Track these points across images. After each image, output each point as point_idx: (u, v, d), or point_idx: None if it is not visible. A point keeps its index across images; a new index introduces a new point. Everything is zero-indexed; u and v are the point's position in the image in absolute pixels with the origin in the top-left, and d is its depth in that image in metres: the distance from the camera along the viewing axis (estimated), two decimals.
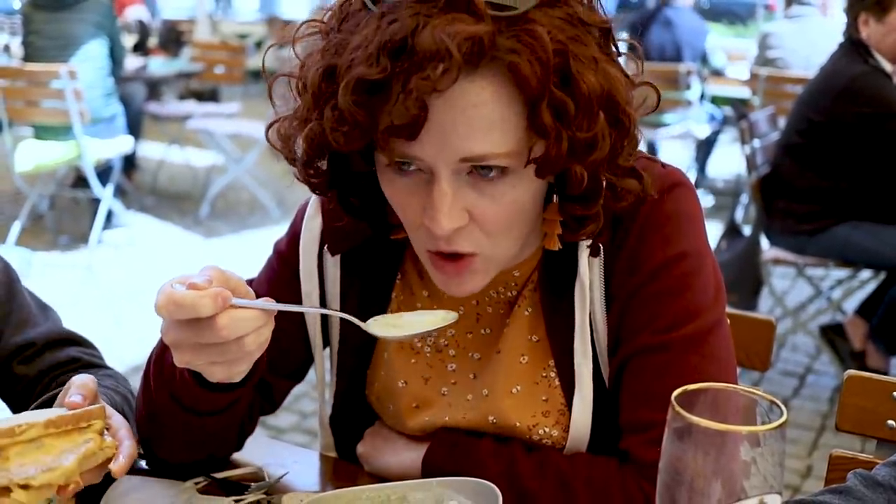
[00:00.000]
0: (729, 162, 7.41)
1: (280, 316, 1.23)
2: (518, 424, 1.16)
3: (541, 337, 1.17)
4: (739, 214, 4.93)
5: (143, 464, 1.27)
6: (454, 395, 1.21)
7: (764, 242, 3.81)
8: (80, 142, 5.04)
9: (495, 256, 1.06)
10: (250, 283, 1.30)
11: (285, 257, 1.28)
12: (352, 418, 1.31)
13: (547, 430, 1.16)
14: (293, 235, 1.28)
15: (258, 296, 1.21)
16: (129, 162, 6.61)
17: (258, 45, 10.94)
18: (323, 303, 1.27)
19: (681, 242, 1.11)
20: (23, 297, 1.32)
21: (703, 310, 1.11)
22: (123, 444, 1.05)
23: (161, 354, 1.12)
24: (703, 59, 6.65)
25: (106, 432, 1.05)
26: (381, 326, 1.07)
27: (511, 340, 1.18)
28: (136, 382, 1.23)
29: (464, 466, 1.13)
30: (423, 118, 0.92)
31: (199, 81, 7.67)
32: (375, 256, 1.24)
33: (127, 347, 3.62)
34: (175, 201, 6.83)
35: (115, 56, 5.45)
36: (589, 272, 1.12)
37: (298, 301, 1.26)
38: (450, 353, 1.23)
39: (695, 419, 0.82)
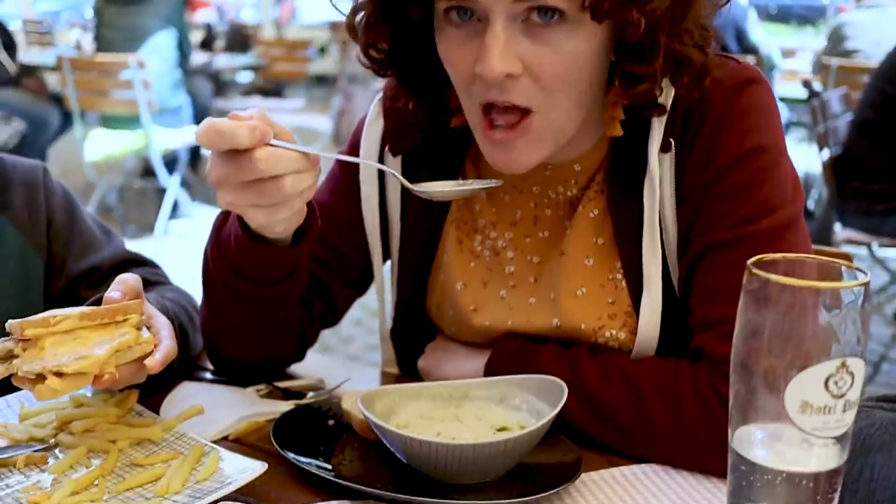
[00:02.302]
0: (797, 160, 7.24)
1: (339, 220, 1.25)
2: (583, 327, 1.13)
3: (607, 240, 1.14)
4: (811, 202, 4.80)
5: (206, 375, 1.26)
6: (514, 299, 1.19)
7: (836, 225, 3.71)
8: (148, 131, 5.14)
9: (552, 120, 1.03)
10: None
11: (346, 163, 1.28)
12: (412, 332, 1.29)
13: (613, 332, 1.13)
14: (354, 143, 1.28)
15: (322, 206, 1.21)
16: (196, 155, 6.71)
17: (322, 50, 11.05)
18: (383, 208, 1.26)
19: (758, 136, 1.07)
20: (84, 222, 1.33)
21: (781, 205, 1.06)
22: (162, 343, 1.03)
23: (219, 225, 1.12)
24: (742, 41, 6.40)
25: (146, 330, 1.04)
26: (426, 187, 1.05)
27: (575, 243, 1.15)
28: None
29: (526, 373, 1.10)
30: None
31: (263, 79, 7.77)
32: (436, 158, 1.23)
33: None
34: None
35: (183, 48, 5.55)
36: (659, 168, 1.09)
37: (359, 208, 1.26)
38: (508, 256, 1.20)
39: (773, 277, 0.79)
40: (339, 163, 1.29)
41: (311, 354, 1.33)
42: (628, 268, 1.12)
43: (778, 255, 0.84)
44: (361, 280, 1.32)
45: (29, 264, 1.25)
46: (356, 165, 1.26)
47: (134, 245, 1.45)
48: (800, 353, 0.79)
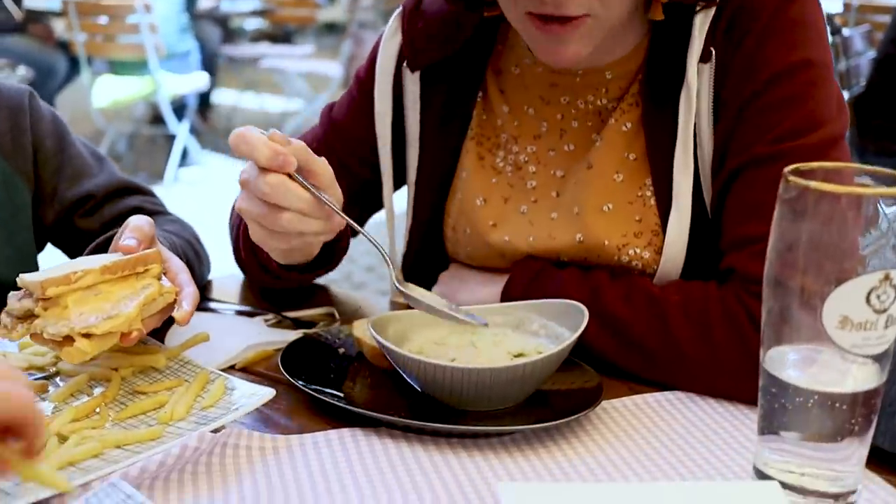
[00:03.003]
0: None
1: (352, 139, 1.24)
2: (607, 243, 1.09)
3: (639, 155, 1.09)
4: None
5: (213, 305, 1.23)
6: (535, 214, 1.15)
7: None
8: (156, 76, 5.08)
9: (605, 19, 1.00)
10: (330, 108, 1.29)
11: (362, 81, 1.25)
12: (426, 260, 1.25)
13: (638, 250, 1.08)
14: (371, 58, 1.24)
15: (337, 124, 1.23)
16: (205, 103, 6.66)
17: None
18: (400, 128, 1.22)
19: (807, 49, 1.01)
20: (74, 147, 1.27)
21: (827, 121, 1.01)
22: (185, 291, 0.99)
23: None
24: None
25: (164, 277, 0.99)
26: (412, 291, 1.01)
27: (604, 156, 1.10)
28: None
29: (544, 297, 1.05)
30: None
31: (272, 25, 7.66)
32: (456, 75, 1.18)
33: None
34: None
35: None
36: (697, 80, 1.04)
37: (374, 128, 1.22)
38: (530, 171, 1.16)
39: (812, 184, 0.73)
40: (356, 80, 1.26)
41: (322, 286, 1.29)
42: (658, 185, 1.07)
43: (815, 165, 0.78)
44: (373, 201, 1.29)
45: (13, 192, 1.19)
46: (372, 83, 1.22)
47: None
48: (839, 266, 0.74)
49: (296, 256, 1.06)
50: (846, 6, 5.41)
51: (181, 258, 1.11)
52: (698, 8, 1.04)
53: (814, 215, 0.74)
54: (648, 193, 1.08)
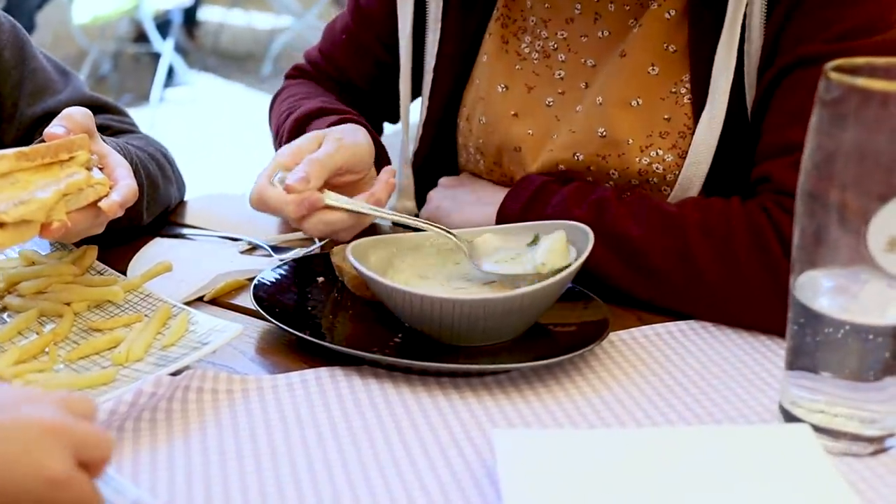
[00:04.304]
0: None
1: (375, 23, 1.18)
2: (630, 142, 0.99)
3: (680, 48, 0.99)
4: None
5: (182, 231, 1.13)
6: (561, 107, 1.05)
7: None
8: None
9: None
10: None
11: None
12: (437, 157, 1.17)
13: (661, 152, 0.99)
14: None
15: (362, 9, 1.19)
16: (191, 19, 6.44)
17: None
18: (422, 5, 1.13)
19: None
20: (38, 60, 1.15)
21: (892, 24, 0.90)
22: (119, 183, 0.89)
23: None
24: None
25: (98, 171, 0.89)
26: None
27: (641, 45, 1.00)
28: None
29: (545, 218, 0.95)
30: None
31: None
32: None
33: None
34: (237, 61, 6.65)
35: None
36: None
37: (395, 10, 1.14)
38: (559, 59, 1.06)
39: (859, 80, 0.63)
40: None
41: None
42: (696, 82, 0.98)
43: (861, 60, 0.67)
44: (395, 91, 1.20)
45: None
46: None
47: (131, 114, 1.29)
48: (887, 180, 0.64)
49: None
50: None
51: (139, 169, 1.02)
52: None
53: (858, 120, 0.64)
54: (683, 91, 0.99)
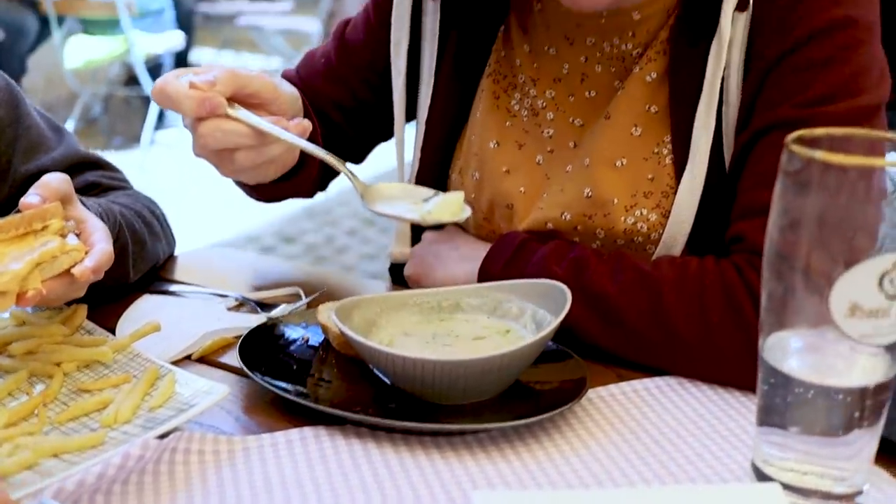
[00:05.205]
0: None
1: (362, 64, 1.19)
2: (616, 201, 1.02)
3: (661, 108, 1.02)
4: None
5: (170, 288, 1.14)
6: (550, 166, 1.08)
7: None
8: (128, 36, 4.93)
9: None
10: (345, 24, 1.23)
11: (380, 3, 1.18)
12: None
13: (645, 212, 1.01)
14: None
15: (349, 44, 1.19)
16: (182, 62, 6.50)
17: None
18: (415, 55, 1.15)
19: (849, 6, 0.93)
20: (32, 118, 1.17)
21: (863, 90, 0.93)
22: (94, 248, 0.89)
23: None
24: None
25: (74, 237, 0.90)
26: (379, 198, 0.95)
27: (624, 106, 1.03)
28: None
29: (525, 275, 0.98)
30: None
31: None
32: (477, 7, 1.12)
33: (181, 246, 3.54)
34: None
35: None
36: (731, 29, 0.96)
37: (386, 52, 1.16)
38: (547, 117, 1.09)
39: (818, 154, 0.65)
40: (373, 1, 1.19)
41: (288, 262, 1.21)
42: (678, 142, 1.00)
43: (821, 131, 0.70)
44: (379, 130, 1.23)
45: None
46: (389, 6, 1.15)
47: (120, 157, 1.33)
48: (848, 246, 0.67)
49: (271, 172, 1.01)
50: None
51: (124, 229, 1.03)
52: None
53: (819, 189, 0.67)
54: (665, 151, 1.01)
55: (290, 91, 1.04)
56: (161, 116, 5.52)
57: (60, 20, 5.09)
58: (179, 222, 1.28)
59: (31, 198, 0.89)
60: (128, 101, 6.19)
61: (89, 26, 5.14)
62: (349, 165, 0.96)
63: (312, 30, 6.17)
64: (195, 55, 7.16)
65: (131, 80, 5.76)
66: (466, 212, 0.92)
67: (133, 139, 5.51)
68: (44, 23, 5.30)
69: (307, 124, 0.94)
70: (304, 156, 1.03)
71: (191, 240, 1.26)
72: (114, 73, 5.90)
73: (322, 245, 4.04)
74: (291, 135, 0.93)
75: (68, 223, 0.91)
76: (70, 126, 5.19)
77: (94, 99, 5.89)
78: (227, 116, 0.91)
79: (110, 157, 1.25)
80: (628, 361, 0.95)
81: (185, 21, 5.92)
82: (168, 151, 5.41)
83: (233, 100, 0.92)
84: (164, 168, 5.09)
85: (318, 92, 1.20)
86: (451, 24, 1.13)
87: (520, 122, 1.10)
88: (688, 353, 0.91)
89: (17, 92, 1.17)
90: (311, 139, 0.95)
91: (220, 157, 0.94)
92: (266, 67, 6.93)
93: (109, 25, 4.98)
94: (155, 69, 5.36)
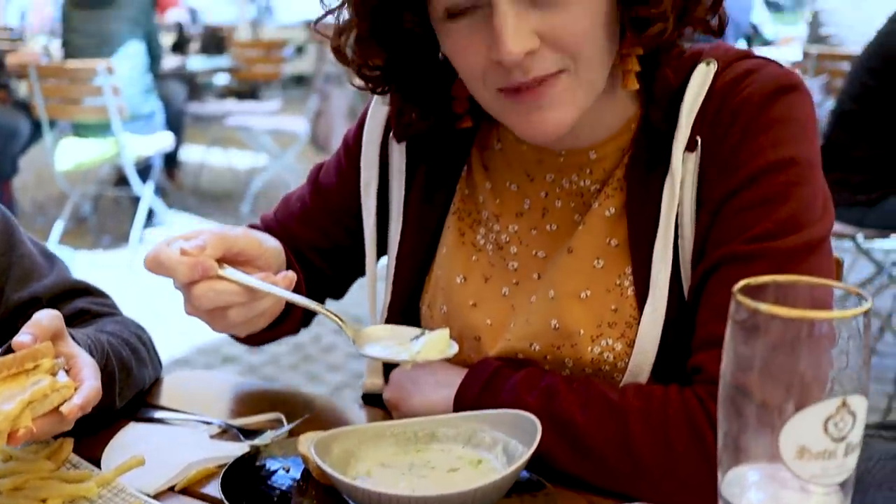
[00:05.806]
0: None
1: (335, 207, 1.26)
2: (582, 332, 1.06)
3: (621, 242, 1.07)
4: None
5: (155, 414, 1.17)
6: (517, 297, 1.12)
7: None
8: (119, 138, 5.02)
9: (583, 77, 0.98)
10: (319, 169, 1.29)
11: (350, 147, 1.25)
12: None
13: (610, 342, 1.05)
14: (360, 123, 1.24)
15: (322, 188, 1.25)
16: (171, 162, 6.60)
17: (299, 50, 10.92)
18: (385, 198, 1.21)
19: (790, 147, 0.99)
20: (25, 246, 1.21)
21: (807, 224, 0.98)
22: (83, 385, 0.93)
23: None
24: (748, 39, 6.46)
25: (64, 373, 0.94)
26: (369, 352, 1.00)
27: (585, 240, 1.08)
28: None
29: (499, 402, 1.01)
30: None
31: (238, 81, 7.65)
32: (441, 147, 1.18)
33: (169, 345, 3.55)
34: (216, 200, 6.79)
35: (153, 52, 5.43)
36: (682, 169, 1.01)
37: (358, 196, 1.22)
38: (511, 251, 1.14)
39: (762, 306, 0.70)
40: (344, 146, 1.26)
41: (270, 387, 1.25)
42: (638, 274, 1.05)
43: (767, 279, 0.75)
44: (356, 267, 1.28)
45: None
46: (359, 150, 1.22)
47: (109, 256, 1.36)
48: (795, 390, 0.71)
49: (261, 324, 1.05)
50: (805, 55, 5.47)
51: (111, 359, 1.06)
52: (675, 84, 1.02)
53: (765, 337, 0.71)
54: (627, 283, 1.06)
55: (274, 245, 1.09)
56: (150, 215, 5.58)
57: (52, 123, 5.18)
58: (168, 321, 1.31)
59: (23, 337, 0.93)
60: (117, 201, 6.26)
61: (80, 129, 5.23)
62: (334, 307, 1.01)
63: (299, 129, 6.29)
64: (185, 153, 7.28)
65: (121, 180, 5.83)
66: (454, 348, 0.96)
67: (122, 238, 5.54)
68: (36, 126, 5.40)
69: (292, 276, 0.99)
70: (290, 303, 1.07)
71: (180, 337, 1.30)
72: (104, 173, 5.98)
73: (309, 344, 4.06)
74: (280, 289, 0.98)
75: (58, 360, 0.94)
76: (60, 225, 5.24)
77: (84, 199, 5.96)
78: (219, 277, 0.95)
79: (100, 255, 1.29)
80: (598, 488, 0.98)
81: (174, 121, 6.03)
82: None
83: (222, 260, 0.97)
84: None
85: (295, 235, 1.26)
86: (417, 163, 1.19)
87: (486, 256, 1.15)
88: (653, 481, 0.94)
89: (11, 221, 1.21)
90: (295, 288, 1.00)
91: (213, 316, 0.98)
92: (254, 165, 7.05)
93: (101, 128, 5.06)
94: (145, 170, 5.44)
